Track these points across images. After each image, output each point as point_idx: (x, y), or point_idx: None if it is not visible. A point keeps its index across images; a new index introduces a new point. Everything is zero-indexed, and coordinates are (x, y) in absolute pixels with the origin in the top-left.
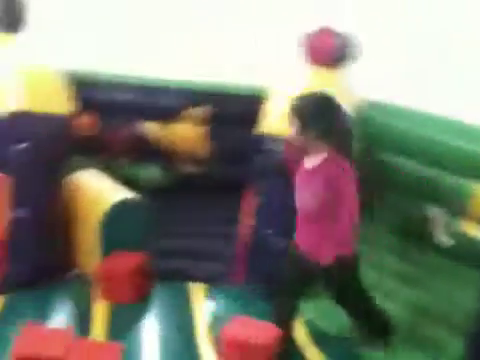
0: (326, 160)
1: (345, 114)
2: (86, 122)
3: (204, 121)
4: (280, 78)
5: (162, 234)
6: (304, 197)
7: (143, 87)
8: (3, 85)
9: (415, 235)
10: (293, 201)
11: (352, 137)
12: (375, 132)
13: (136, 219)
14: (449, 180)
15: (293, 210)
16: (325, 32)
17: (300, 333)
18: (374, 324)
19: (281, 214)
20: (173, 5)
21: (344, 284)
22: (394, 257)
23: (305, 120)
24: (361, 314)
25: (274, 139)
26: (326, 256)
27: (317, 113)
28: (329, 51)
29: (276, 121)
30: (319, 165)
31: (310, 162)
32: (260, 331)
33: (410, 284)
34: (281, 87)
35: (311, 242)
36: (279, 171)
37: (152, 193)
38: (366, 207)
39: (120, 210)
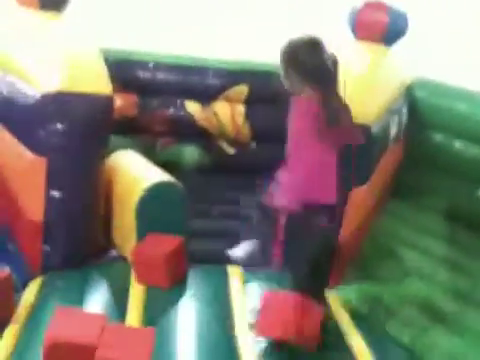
0: (298, 100)
1: (331, 58)
2: (125, 102)
3: (244, 101)
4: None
5: (199, 215)
6: None
7: (182, 66)
8: (42, 64)
9: (464, 219)
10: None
11: (334, 83)
12: (424, 111)
13: (172, 202)
14: None
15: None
16: (375, 6)
17: (342, 317)
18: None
19: None
20: None
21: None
22: (441, 242)
23: (287, 62)
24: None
25: None
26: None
27: (298, 55)
28: (380, 26)
29: None
30: (292, 104)
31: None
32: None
33: (455, 269)
34: None
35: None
36: None
37: (190, 174)
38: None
39: (156, 193)
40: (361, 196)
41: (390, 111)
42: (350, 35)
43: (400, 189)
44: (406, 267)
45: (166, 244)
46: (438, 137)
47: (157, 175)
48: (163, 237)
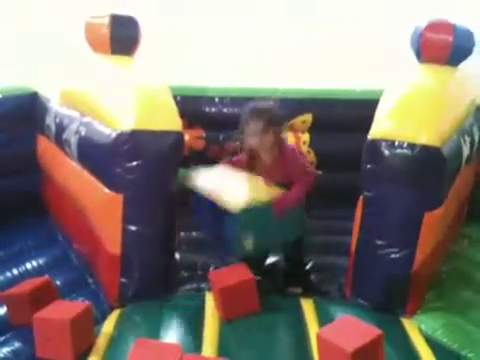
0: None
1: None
2: (193, 137)
3: (310, 129)
4: (391, 78)
5: None
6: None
7: (246, 99)
8: (116, 105)
9: None
10: (413, 210)
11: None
12: None
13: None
14: None
15: (413, 220)
16: (439, 26)
17: (421, 346)
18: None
19: (396, 224)
20: (274, 13)
21: None
22: None
23: (269, 121)
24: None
25: (389, 144)
26: None
27: (274, 114)
28: (445, 48)
29: (389, 125)
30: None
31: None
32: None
33: None
34: (392, 88)
35: None
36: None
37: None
38: None
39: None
40: (435, 220)
41: (461, 131)
42: (413, 58)
43: (475, 212)
44: None
45: (239, 274)
46: None
47: None
48: (235, 267)
